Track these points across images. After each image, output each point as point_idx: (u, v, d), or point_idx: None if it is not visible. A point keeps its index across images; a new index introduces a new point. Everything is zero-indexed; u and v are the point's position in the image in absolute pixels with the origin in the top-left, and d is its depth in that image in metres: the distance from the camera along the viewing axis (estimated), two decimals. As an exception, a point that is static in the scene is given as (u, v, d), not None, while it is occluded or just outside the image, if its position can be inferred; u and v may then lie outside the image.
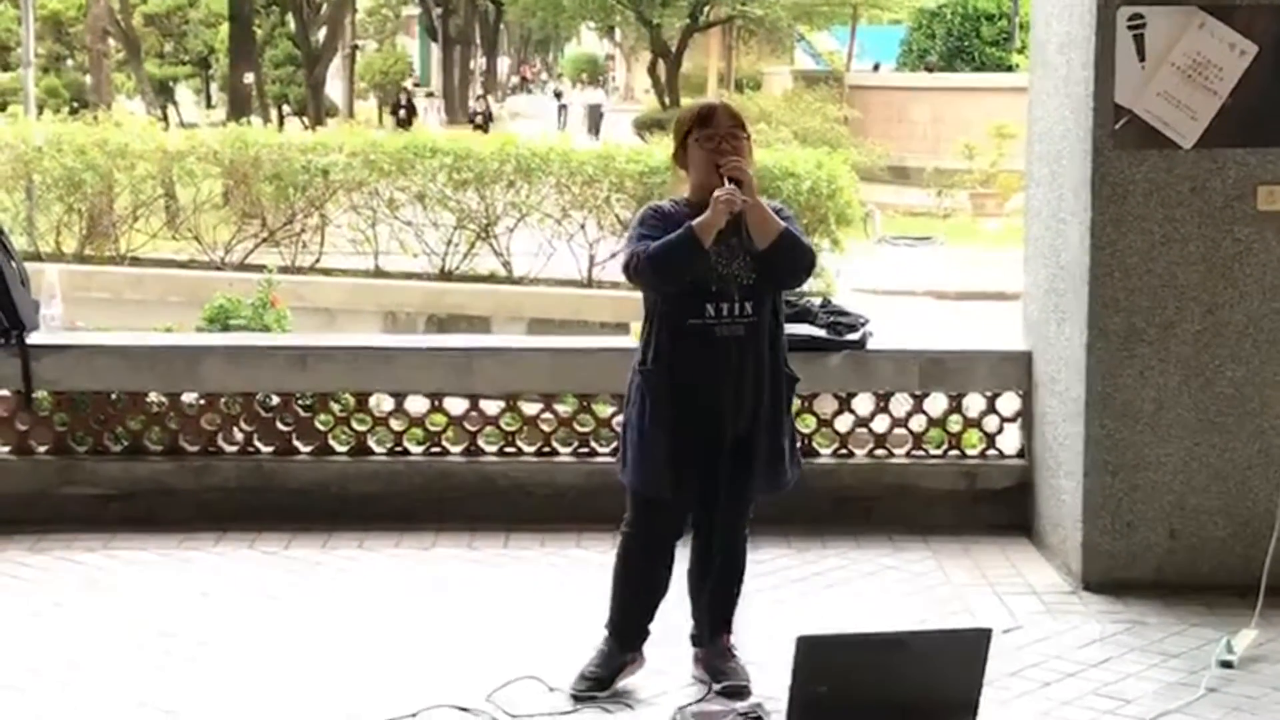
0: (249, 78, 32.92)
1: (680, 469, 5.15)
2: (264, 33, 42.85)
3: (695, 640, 5.42)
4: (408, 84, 54.44)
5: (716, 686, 5.21)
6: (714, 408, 5.10)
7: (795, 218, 5.26)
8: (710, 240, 4.98)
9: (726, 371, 5.10)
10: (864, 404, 7.34)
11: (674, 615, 5.40)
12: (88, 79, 32.20)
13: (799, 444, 5.56)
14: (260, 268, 15.20)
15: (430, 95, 47.37)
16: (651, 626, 5.37)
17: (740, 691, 5.17)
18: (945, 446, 7.31)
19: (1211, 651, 5.59)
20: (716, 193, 4.96)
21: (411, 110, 38.60)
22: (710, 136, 5.09)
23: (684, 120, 5.20)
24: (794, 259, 5.13)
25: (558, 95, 59.52)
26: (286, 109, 44.92)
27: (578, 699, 5.18)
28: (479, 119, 43.37)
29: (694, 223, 4.98)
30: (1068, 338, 6.55)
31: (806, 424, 7.26)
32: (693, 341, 5.11)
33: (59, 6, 42.44)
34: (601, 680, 5.24)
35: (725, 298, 5.09)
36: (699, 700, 5.15)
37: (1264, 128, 6.20)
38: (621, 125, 43.66)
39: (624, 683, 5.28)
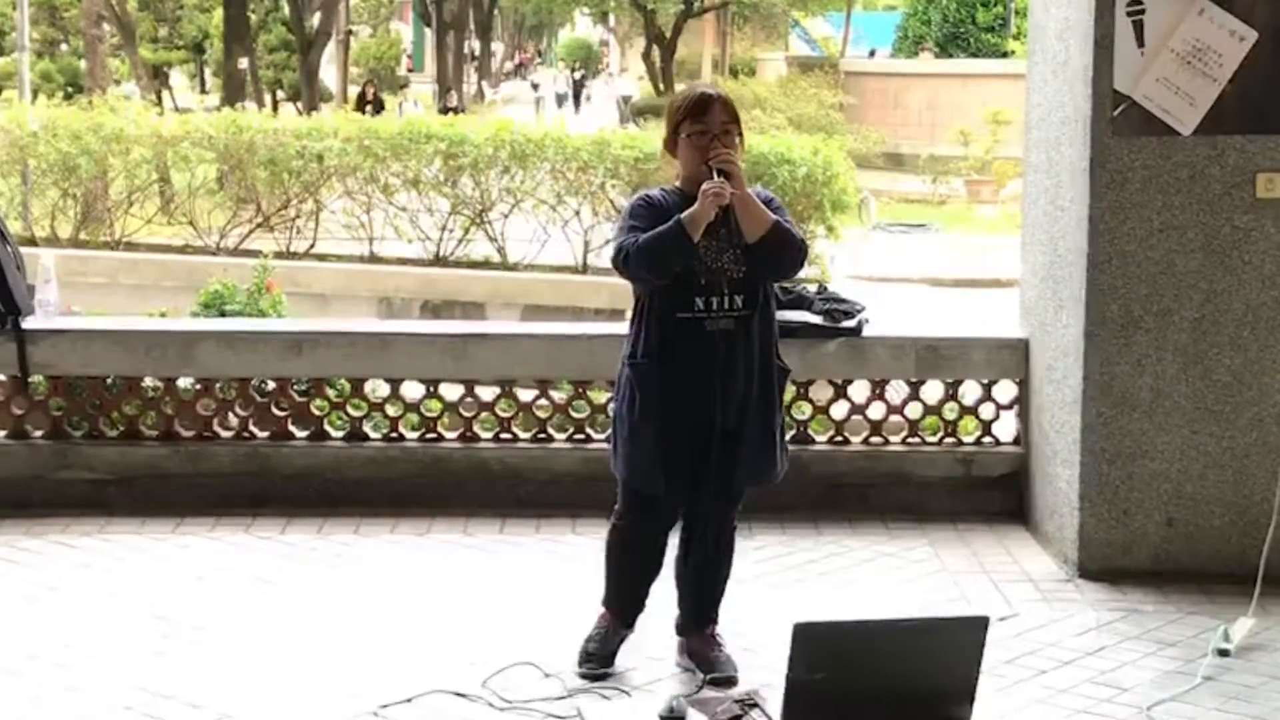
0: (243, 63, 32.82)
1: (669, 463, 5.12)
2: (258, 18, 42.79)
3: (681, 629, 5.41)
4: (402, 70, 54.14)
5: (705, 678, 5.20)
6: (703, 401, 5.05)
7: (785, 208, 5.22)
8: (699, 234, 4.93)
9: (715, 365, 5.05)
10: (860, 391, 7.33)
11: (669, 601, 5.40)
12: (83, 64, 32.11)
13: (787, 436, 5.53)
14: (255, 253, 15.22)
15: (404, 87, 45.73)
16: (648, 603, 5.40)
17: (729, 682, 5.17)
18: (941, 434, 7.30)
19: (1208, 640, 5.58)
20: (704, 186, 4.91)
21: (379, 105, 37.03)
22: (703, 133, 5.01)
23: (676, 109, 5.12)
24: (784, 252, 5.07)
25: (534, 86, 59.52)
26: (280, 94, 44.82)
27: (586, 678, 5.19)
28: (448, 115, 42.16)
29: (682, 216, 4.93)
30: (1065, 325, 6.54)
31: (802, 411, 7.25)
32: (682, 335, 5.07)
33: (53, -9, 42.43)
34: (605, 658, 5.28)
35: (714, 291, 5.04)
36: (693, 692, 5.13)
37: (1263, 115, 6.18)
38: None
39: (621, 668, 5.28)
